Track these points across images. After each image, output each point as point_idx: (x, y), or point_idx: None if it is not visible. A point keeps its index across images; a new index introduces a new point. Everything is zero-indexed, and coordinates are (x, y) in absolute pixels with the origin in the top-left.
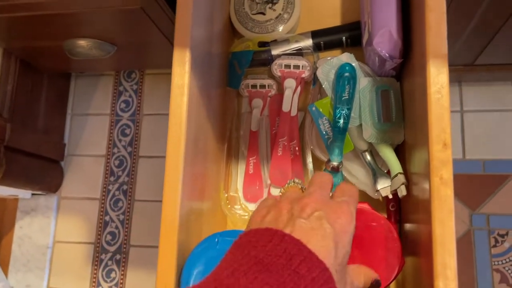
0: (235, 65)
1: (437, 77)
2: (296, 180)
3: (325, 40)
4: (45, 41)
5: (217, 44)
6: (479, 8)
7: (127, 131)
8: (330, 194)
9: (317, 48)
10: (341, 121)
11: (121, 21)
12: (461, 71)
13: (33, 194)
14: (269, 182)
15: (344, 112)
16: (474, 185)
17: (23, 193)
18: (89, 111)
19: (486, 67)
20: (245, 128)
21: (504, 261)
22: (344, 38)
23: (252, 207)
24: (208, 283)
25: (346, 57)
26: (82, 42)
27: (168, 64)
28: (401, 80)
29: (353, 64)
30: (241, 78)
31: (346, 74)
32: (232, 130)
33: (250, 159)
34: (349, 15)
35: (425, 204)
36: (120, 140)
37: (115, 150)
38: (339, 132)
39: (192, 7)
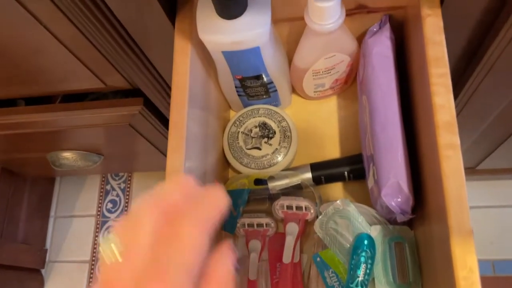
0: (230, 206)
1: (465, 259)
2: None
3: (325, 173)
4: (28, 153)
5: (211, 178)
6: (488, 117)
7: None
8: None
9: (317, 181)
10: None
11: (108, 136)
12: None
13: None
14: None
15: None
16: None
17: None
18: (74, 212)
19: (489, 171)
20: (242, 276)
21: None
22: (346, 172)
23: None
24: None
25: (342, 203)
26: (67, 154)
27: (156, 167)
28: (413, 227)
29: (352, 211)
30: (237, 220)
31: (364, 253)
32: None
33: None
34: (350, 144)
35: None
36: None
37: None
38: None
39: (184, 145)
